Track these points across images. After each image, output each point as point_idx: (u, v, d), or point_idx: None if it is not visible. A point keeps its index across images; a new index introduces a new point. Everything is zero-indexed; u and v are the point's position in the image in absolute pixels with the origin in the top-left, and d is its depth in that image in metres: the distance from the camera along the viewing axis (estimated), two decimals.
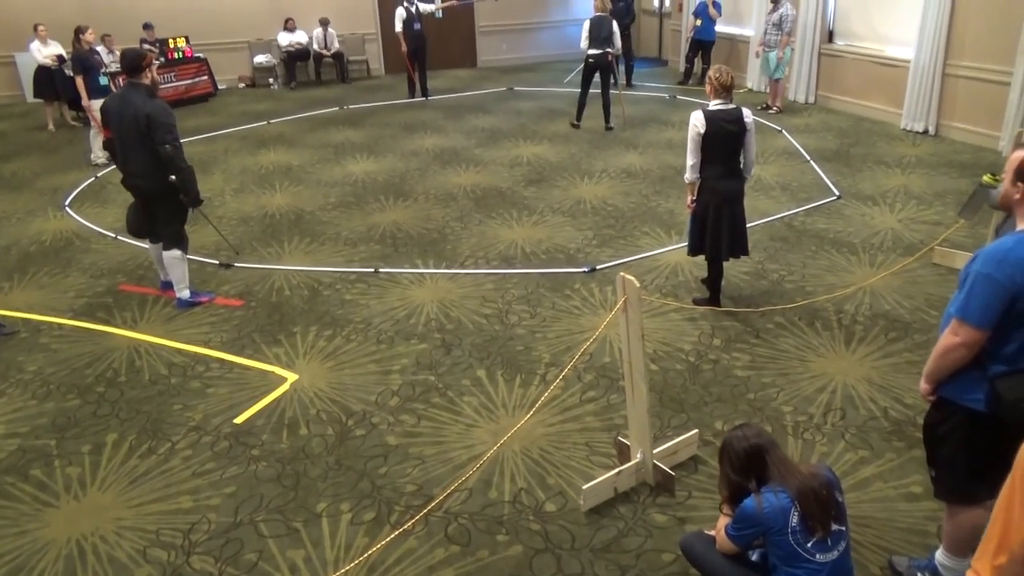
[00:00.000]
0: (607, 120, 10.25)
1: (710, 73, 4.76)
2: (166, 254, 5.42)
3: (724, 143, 4.74)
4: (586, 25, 9.73)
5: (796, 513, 2.44)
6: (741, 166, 4.90)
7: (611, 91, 10.06)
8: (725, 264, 5.20)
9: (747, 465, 2.57)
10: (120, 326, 5.30)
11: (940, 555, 2.89)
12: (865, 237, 6.31)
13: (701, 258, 5.21)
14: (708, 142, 4.71)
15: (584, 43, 9.72)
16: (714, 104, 4.72)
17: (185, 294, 5.53)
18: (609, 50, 9.68)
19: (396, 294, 5.62)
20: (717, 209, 4.86)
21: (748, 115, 4.77)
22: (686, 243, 5.30)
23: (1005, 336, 2.40)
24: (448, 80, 14.53)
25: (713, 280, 5.19)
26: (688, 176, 4.88)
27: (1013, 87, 7.99)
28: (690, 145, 4.77)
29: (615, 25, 9.74)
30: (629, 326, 3.24)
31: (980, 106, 8.65)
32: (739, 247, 5.03)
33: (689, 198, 5.00)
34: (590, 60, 9.78)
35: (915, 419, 3.92)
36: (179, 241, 5.42)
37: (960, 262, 5.55)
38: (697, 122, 4.68)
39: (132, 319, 5.39)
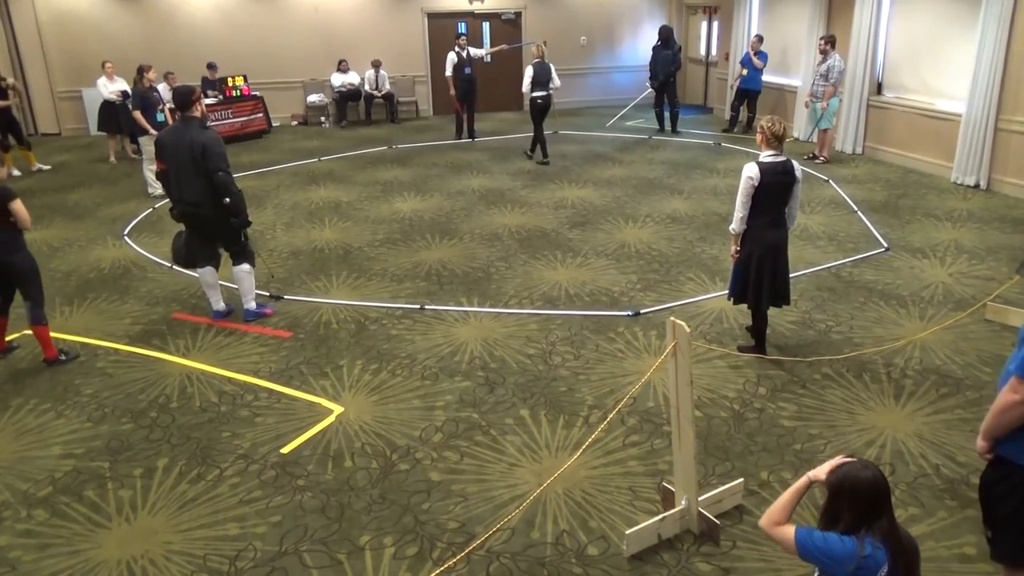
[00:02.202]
0: (544, 155, 11.23)
1: (762, 123, 4.77)
2: (235, 268, 5.78)
3: (774, 194, 4.76)
4: (530, 71, 10.85)
5: (885, 571, 2.30)
6: (786, 216, 4.92)
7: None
8: (771, 313, 5.18)
9: (870, 508, 2.32)
10: (173, 353, 5.44)
11: None
12: (915, 290, 6.23)
13: (746, 305, 5.20)
14: (759, 193, 4.72)
15: (527, 87, 10.89)
16: (766, 155, 4.74)
17: (252, 306, 5.90)
18: (551, 91, 10.92)
19: (441, 331, 5.69)
20: (760, 259, 4.86)
21: (798, 167, 4.80)
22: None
23: None
24: (495, 122, 14.79)
25: (758, 328, 5.16)
26: (735, 227, 4.88)
27: None
28: (741, 197, 4.76)
29: (553, 68, 10.94)
30: (678, 371, 3.25)
31: None
32: (781, 296, 5.02)
33: (733, 248, 5.00)
34: (539, 101, 10.91)
35: (968, 478, 3.84)
36: (246, 256, 5.79)
37: (1014, 319, 5.46)
38: (752, 174, 4.68)
39: (185, 347, 5.54)
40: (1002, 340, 5.28)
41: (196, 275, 6.06)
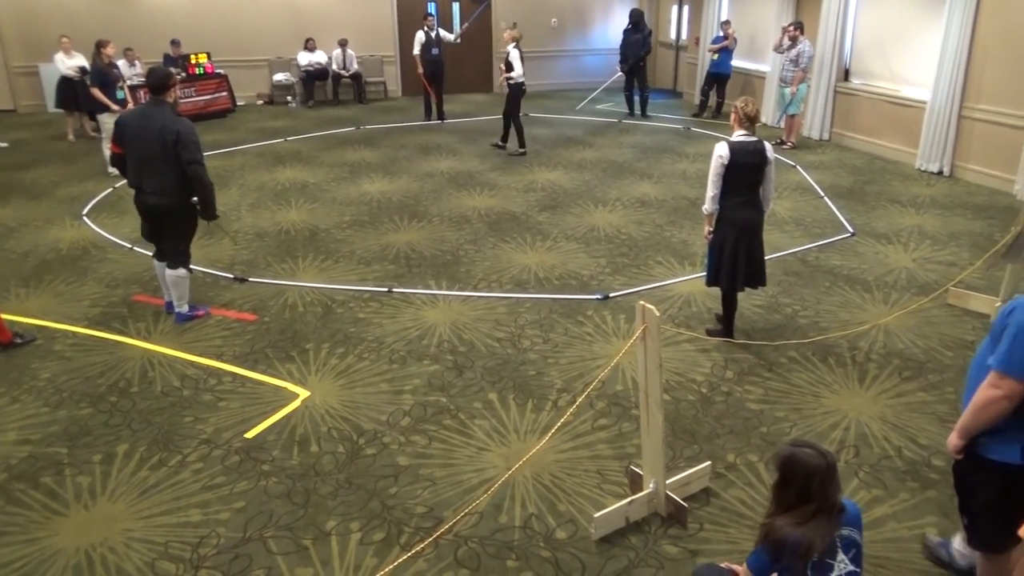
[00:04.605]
0: (504, 140, 10.84)
1: (736, 103, 4.80)
2: (170, 273, 5.39)
3: (746, 174, 4.77)
4: (519, 55, 10.22)
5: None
6: (760, 197, 4.93)
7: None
8: (740, 296, 5.21)
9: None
10: (134, 336, 5.32)
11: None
12: (879, 275, 6.31)
13: (716, 290, 5.24)
14: (730, 173, 4.73)
15: (521, 71, 10.27)
16: (738, 135, 4.76)
17: (184, 309, 5.53)
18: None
19: (409, 314, 5.63)
20: (735, 240, 4.87)
21: (769, 148, 4.82)
22: (700, 274, 5.37)
23: None
24: (464, 104, 14.67)
25: (727, 312, 5.19)
26: (708, 207, 4.89)
27: None
28: (712, 176, 4.77)
29: None
30: (647, 355, 3.24)
31: (995, 149, 8.67)
32: (757, 278, 5.05)
33: (707, 228, 5.01)
34: (524, 88, 10.47)
35: (929, 460, 3.90)
36: (185, 260, 5.43)
37: (975, 304, 5.55)
38: (722, 153, 4.70)
39: (146, 330, 5.41)
40: (963, 324, 5.38)
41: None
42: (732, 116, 4.84)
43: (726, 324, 5.21)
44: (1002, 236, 6.81)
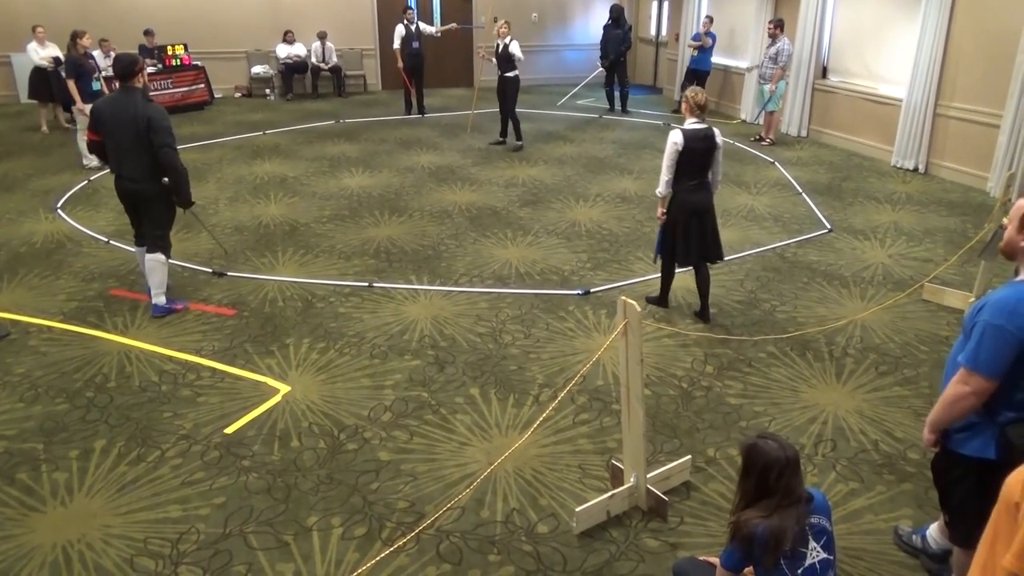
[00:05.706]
0: (505, 135, 10.78)
1: (687, 93, 5.08)
2: (148, 257, 5.36)
3: (697, 159, 5.04)
4: (519, 47, 10.11)
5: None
6: (709, 181, 5.22)
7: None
8: (719, 292, 5.36)
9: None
10: (111, 331, 5.26)
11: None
12: (856, 271, 6.38)
13: (693, 286, 5.42)
14: (683, 158, 5.01)
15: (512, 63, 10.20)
16: (689, 123, 5.03)
17: (161, 300, 5.47)
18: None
19: (390, 309, 5.62)
20: (687, 221, 5.16)
21: (719, 135, 5.10)
22: (681, 270, 5.49)
23: (1015, 383, 2.42)
24: (444, 99, 14.62)
25: (701, 290, 5.41)
26: (661, 190, 5.16)
27: (1002, 130, 8.14)
28: (667, 161, 5.04)
29: None
30: (628, 350, 3.26)
31: (969, 147, 8.80)
32: (713, 253, 5.30)
33: (660, 210, 5.28)
34: (519, 80, 10.43)
35: (905, 453, 3.96)
36: (164, 246, 5.41)
37: (950, 299, 5.64)
38: (676, 139, 4.97)
39: (123, 324, 5.35)
40: (938, 320, 5.46)
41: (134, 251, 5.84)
42: (683, 105, 5.13)
43: (663, 293, 5.57)
44: (976, 232, 6.94)
